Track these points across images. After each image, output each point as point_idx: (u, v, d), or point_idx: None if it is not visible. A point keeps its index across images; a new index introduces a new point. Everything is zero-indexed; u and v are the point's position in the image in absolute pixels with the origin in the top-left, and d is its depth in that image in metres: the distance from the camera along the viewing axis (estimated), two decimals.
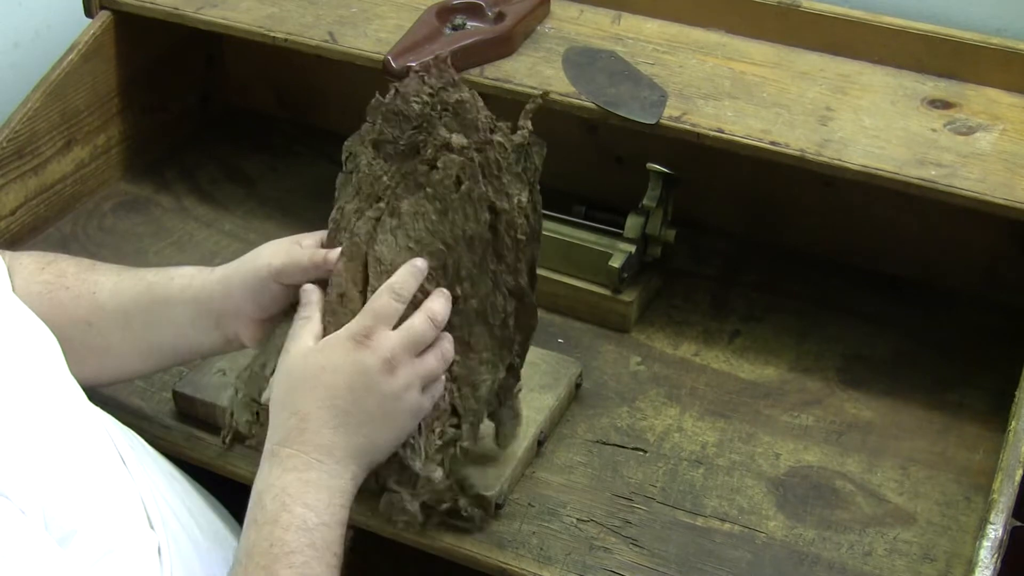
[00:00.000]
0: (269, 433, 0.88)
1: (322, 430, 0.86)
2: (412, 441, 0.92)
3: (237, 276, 0.95)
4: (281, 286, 0.94)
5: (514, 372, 0.99)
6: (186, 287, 0.97)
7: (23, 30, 1.49)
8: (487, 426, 1.00)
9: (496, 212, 0.93)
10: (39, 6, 1.50)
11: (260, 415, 0.95)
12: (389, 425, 0.89)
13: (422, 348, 0.89)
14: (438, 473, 0.93)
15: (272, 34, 1.27)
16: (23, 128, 1.29)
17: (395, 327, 0.89)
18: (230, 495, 1.02)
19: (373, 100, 0.94)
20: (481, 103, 0.94)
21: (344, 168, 0.96)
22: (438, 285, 0.92)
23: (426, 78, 0.93)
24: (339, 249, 0.93)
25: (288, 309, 0.95)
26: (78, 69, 1.34)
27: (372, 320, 0.88)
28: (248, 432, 0.96)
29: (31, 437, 0.80)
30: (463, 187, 0.91)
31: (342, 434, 0.87)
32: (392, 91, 0.93)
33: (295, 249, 0.94)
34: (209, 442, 1.07)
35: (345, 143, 0.96)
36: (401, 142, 0.93)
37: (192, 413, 1.09)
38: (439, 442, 0.94)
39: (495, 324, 0.95)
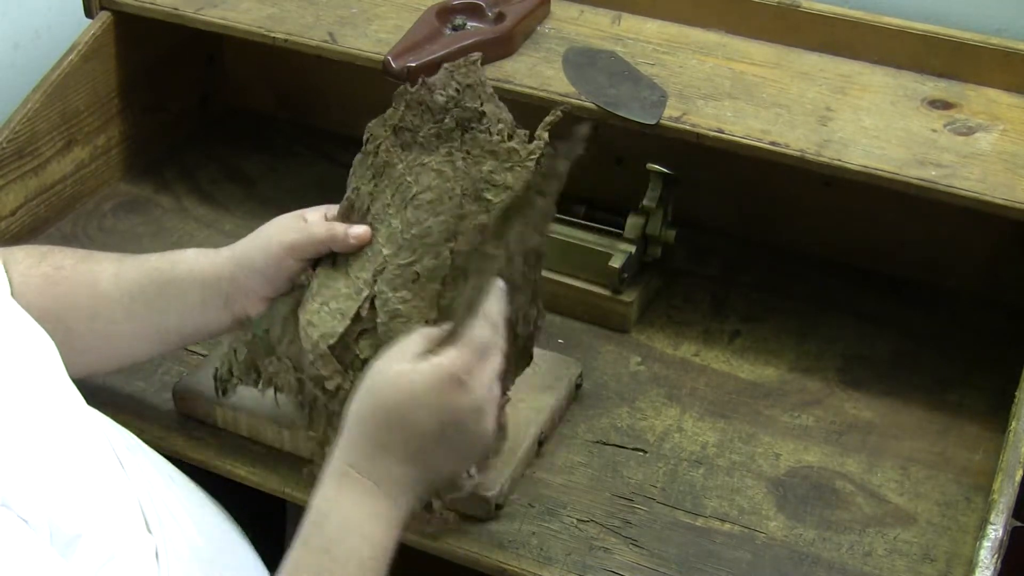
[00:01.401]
0: (342, 447, 0.85)
1: (398, 464, 0.84)
2: None
3: (247, 255, 0.96)
4: (294, 262, 0.95)
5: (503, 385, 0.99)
6: (192, 270, 0.98)
7: (23, 31, 1.49)
8: None
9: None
10: (39, 6, 1.50)
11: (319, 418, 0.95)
12: (465, 458, 0.88)
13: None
14: None
15: (272, 34, 1.27)
16: (23, 128, 1.29)
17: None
18: (230, 496, 1.02)
19: (400, 87, 0.95)
20: (500, 113, 0.96)
21: (363, 149, 0.97)
22: None
23: (455, 73, 0.94)
24: (364, 228, 0.94)
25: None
26: (78, 69, 1.34)
27: (473, 356, 0.83)
28: (253, 383, 0.98)
29: (31, 444, 0.80)
30: (542, 202, 0.90)
31: (419, 470, 0.85)
32: (420, 81, 0.95)
33: (305, 224, 0.95)
34: (209, 442, 1.07)
35: (368, 124, 0.97)
36: (420, 133, 0.94)
37: (192, 413, 1.09)
38: None
39: (521, 335, 0.96)
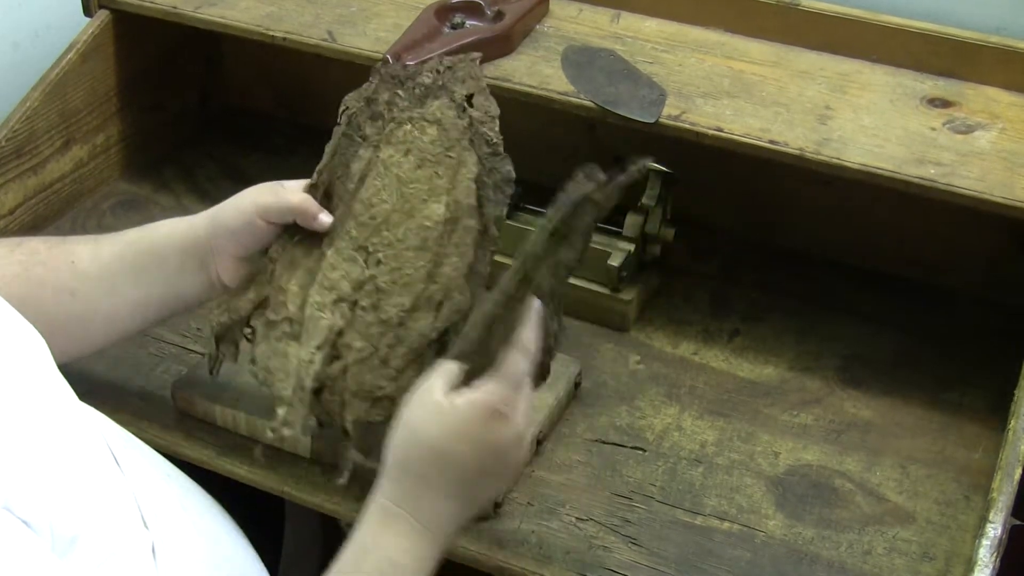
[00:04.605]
0: (387, 484, 0.85)
1: (444, 501, 0.84)
2: None
3: (224, 214, 0.98)
4: (264, 224, 0.97)
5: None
6: (170, 234, 1.00)
7: (22, 30, 1.49)
8: None
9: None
10: (38, 6, 1.50)
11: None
12: (503, 484, 0.90)
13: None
14: None
15: (271, 33, 1.27)
16: (22, 127, 1.29)
17: None
18: (229, 494, 1.02)
19: (379, 63, 0.99)
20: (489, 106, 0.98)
21: (338, 121, 1.00)
22: None
23: (445, 59, 0.98)
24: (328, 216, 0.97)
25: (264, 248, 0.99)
26: (77, 68, 1.34)
27: (512, 387, 0.83)
28: (231, 359, 1.01)
29: (28, 444, 0.80)
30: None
31: (461, 504, 0.85)
32: (400, 63, 0.98)
33: (281, 189, 0.98)
34: (208, 441, 1.07)
35: (344, 98, 1.00)
36: (395, 105, 0.98)
37: (191, 412, 1.09)
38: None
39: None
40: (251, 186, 1.00)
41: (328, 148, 1.00)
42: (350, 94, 0.99)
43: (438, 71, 0.97)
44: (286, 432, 0.94)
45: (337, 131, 1.00)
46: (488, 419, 0.83)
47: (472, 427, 0.83)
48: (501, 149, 0.97)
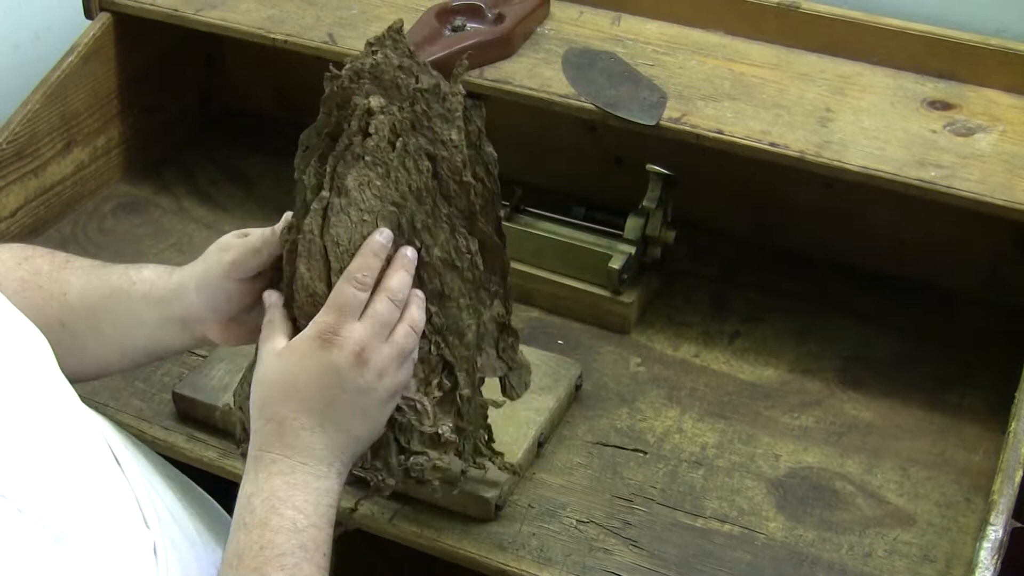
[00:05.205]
0: (251, 438, 0.88)
1: (300, 433, 0.86)
2: (413, 403, 0.92)
3: (192, 281, 0.93)
4: (237, 283, 0.92)
5: (509, 330, 0.97)
6: (147, 294, 0.95)
7: (23, 32, 1.49)
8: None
9: (433, 158, 0.91)
10: (39, 8, 1.50)
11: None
12: (369, 416, 0.88)
13: (390, 329, 0.88)
14: (446, 426, 0.93)
15: (272, 35, 1.27)
16: (23, 130, 1.29)
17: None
18: (229, 496, 1.02)
19: (327, 91, 0.91)
20: (397, 62, 0.91)
21: (298, 156, 0.93)
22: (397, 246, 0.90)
23: (378, 53, 0.91)
24: (286, 225, 0.91)
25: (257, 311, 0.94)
26: (78, 71, 1.34)
27: (336, 315, 0.86)
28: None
29: (26, 438, 0.80)
30: (398, 144, 0.89)
31: (320, 434, 0.86)
32: (341, 78, 0.90)
33: (242, 239, 0.92)
34: (209, 443, 1.08)
35: (300, 136, 0.93)
36: (364, 137, 0.90)
37: (192, 414, 1.09)
38: (438, 394, 0.93)
39: (463, 267, 0.93)
40: (216, 241, 0.94)
41: (298, 195, 0.91)
42: (306, 131, 0.91)
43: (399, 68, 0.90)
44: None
45: (303, 175, 0.91)
46: (316, 349, 0.86)
47: (304, 360, 0.86)
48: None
